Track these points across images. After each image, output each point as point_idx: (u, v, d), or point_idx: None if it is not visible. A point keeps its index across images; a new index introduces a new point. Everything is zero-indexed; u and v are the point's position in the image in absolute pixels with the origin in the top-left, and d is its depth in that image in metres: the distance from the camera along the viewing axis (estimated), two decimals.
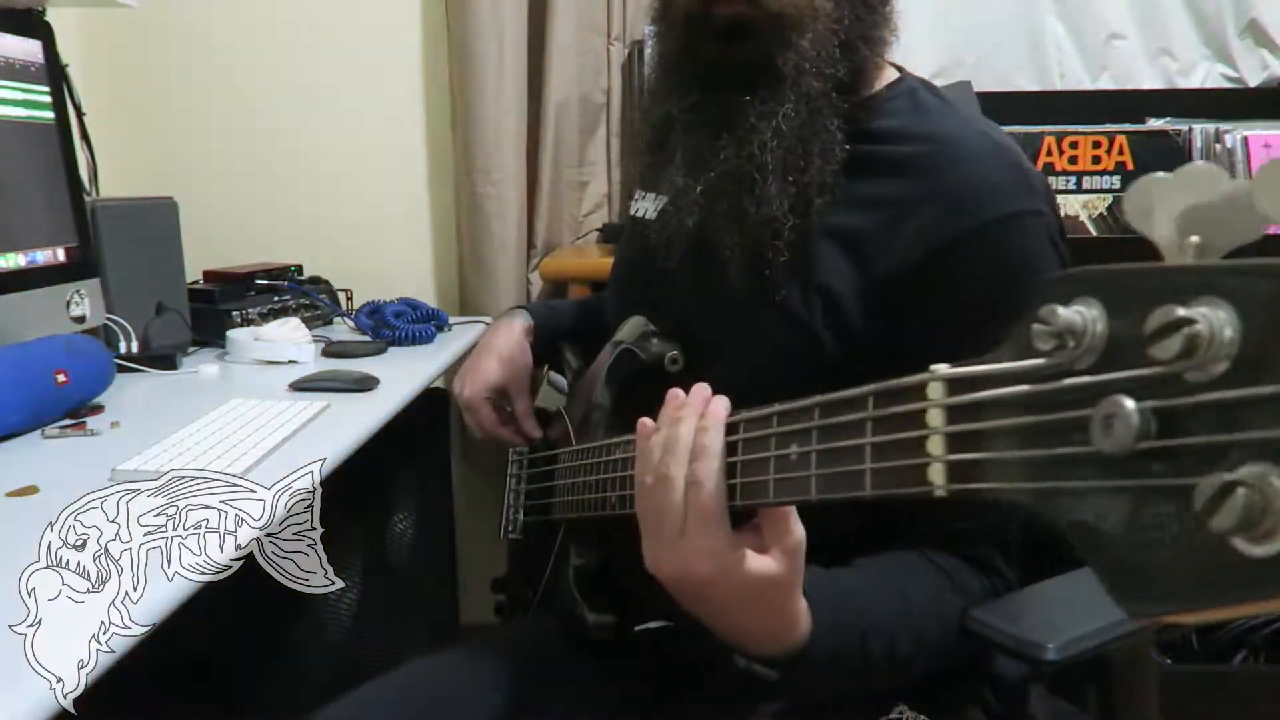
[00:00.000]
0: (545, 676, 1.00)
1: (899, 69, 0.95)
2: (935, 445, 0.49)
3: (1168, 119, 2.00)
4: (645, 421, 0.72)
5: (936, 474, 0.49)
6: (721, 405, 0.69)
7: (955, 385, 0.49)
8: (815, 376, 0.68)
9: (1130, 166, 1.91)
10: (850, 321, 0.85)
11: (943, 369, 0.50)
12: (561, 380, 1.23)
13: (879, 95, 0.91)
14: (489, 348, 1.21)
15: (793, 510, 0.68)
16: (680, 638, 0.96)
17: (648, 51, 1.74)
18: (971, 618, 0.81)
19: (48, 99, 1.50)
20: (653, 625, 0.98)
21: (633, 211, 1.09)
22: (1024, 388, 0.44)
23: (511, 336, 1.21)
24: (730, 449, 0.67)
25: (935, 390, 0.50)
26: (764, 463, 0.64)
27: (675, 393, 0.71)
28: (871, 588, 0.80)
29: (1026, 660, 0.78)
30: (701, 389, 0.70)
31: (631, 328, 0.97)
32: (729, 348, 0.91)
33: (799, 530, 0.68)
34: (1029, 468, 0.43)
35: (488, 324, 1.54)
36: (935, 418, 0.49)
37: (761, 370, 0.86)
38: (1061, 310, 0.41)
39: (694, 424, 0.68)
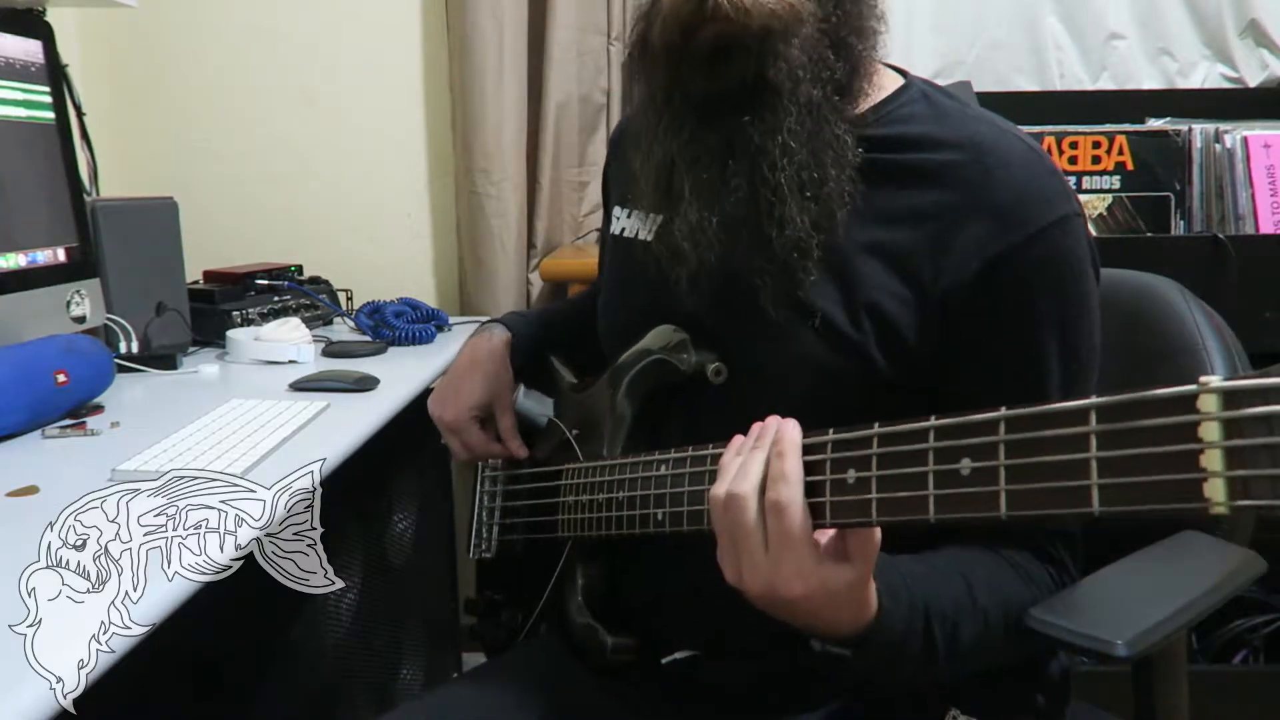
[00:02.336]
0: (570, 706, 0.98)
1: (902, 72, 0.92)
2: (1212, 460, 0.48)
3: (1168, 119, 1.99)
4: (737, 438, 0.73)
5: (1216, 490, 0.48)
6: (794, 429, 0.70)
7: (1233, 397, 0.48)
8: (864, 395, 0.68)
9: (1130, 166, 1.90)
10: (904, 339, 0.83)
11: (1214, 380, 0.49)
12: (528, 405, 1.17)
13: (890, 101, 0.89)
14: (472, 364, 1.15)
15: None
16: (709, 666, 0.95)
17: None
18: (1033, 616, 0.80)
19: (48, 99, 1.50)
20: (680, 655, 0.94)
21: (614, 230, 1.04)
22: None
23: (493, 351, 1.15)
24: (822, 468, 0.68)
25: (1209, 403, 0.48)
26: (913, 478, 0.63)
27: (757, 425, 0.73)
28: (933, 573, 0.79)
29: (1097, 657, 0.77)
30: (774, 418, 0.72)
31: (659, 336, 0.92)
32: (769, 370, 0.87)
33: (878, 535, 0.69)
34: None
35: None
36: (1211, 431, 0.48)
37: (807, 390, 0.84)
38: None
39: (767, 450, 0.70)
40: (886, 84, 0.90)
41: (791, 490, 0.67)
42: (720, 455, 0.77)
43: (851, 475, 0.66)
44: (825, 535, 0.70)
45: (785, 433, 0.70)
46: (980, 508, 0.59)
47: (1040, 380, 0.82)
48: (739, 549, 0.70)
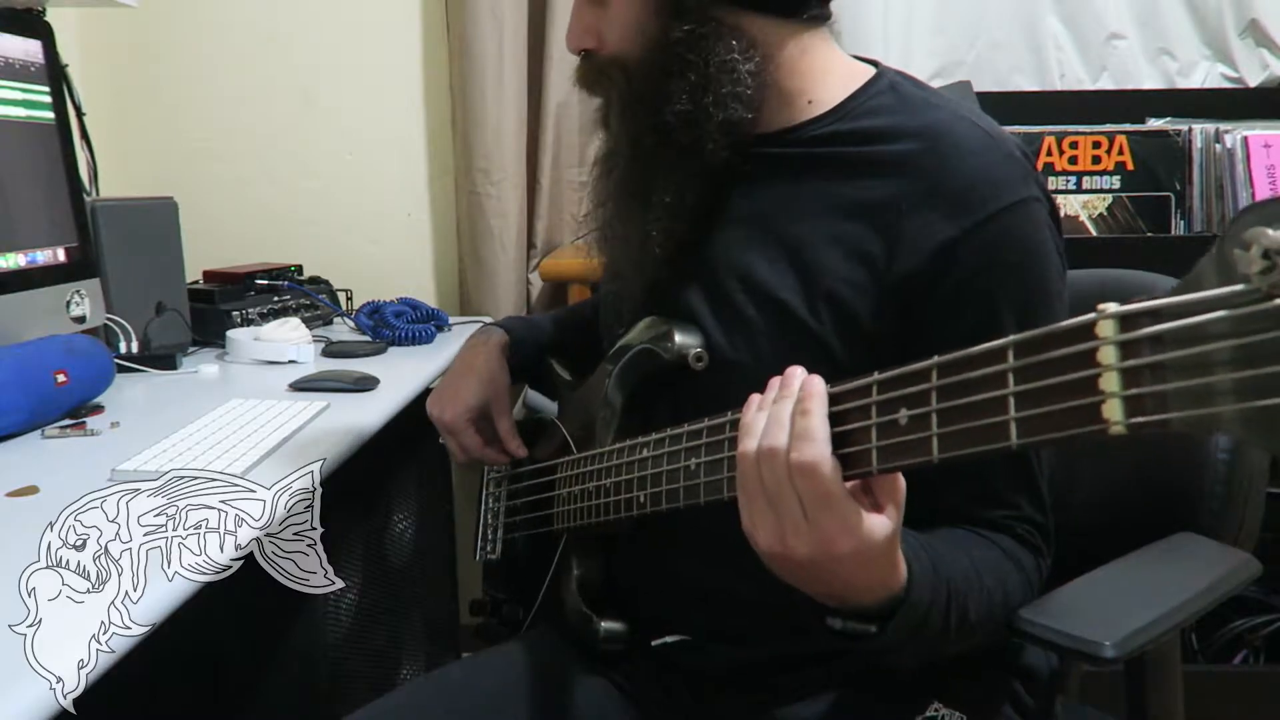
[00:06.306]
0: (563, 690, 0.99)
1: (874, 63, 0.94)
2: (1109, 382, 0.49)
3: (1168, 119, 1.99)
4: (754, 397, 0.70)
5: (1113, 411, 0.49)
6: (818, 382, 0.67)
7: (1129, 321, 0.49)
8: (827, 377, 0.68)
9: (1130, 166, 1.91)
10: (860, 325, 0.85)
11: (1111, 306, 0.50)
12: (539, 398, 1.19)
13: (859, 94, 0.90)
14: (468, 367, 1.16)
15: None
16: (698, 651, 0.95)
17: None
18: (1023, 618, 0.80)
19: (48, 99, 1.50)
20: (670, 639, 0.96)
21: None
22: (1221, 313, 0.45)
23: (490, 354, 1.16)
24: (840, 418, 0.65)
25: (1106, 328, 0.50)
26: (868, 430, 0.63)
27: (773, 380, 0.70)
28: (945, 548, 0.78)
29: (1084, 659, 0.77)
30: (797, 370, 0.69)
31: (644, 328, 0.94)
32: (736, 360, 0.90)
33: (903, 479, 0.68)
34: (1240, 391, 0.44)
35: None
36: (1108, 355, 0.49)
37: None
38: (1272, 232, 0.42)
39: (791, 405, 0.66)
40: (857, 77, 0.91)
41: (818, 447, 0.64)
42: (692, 431, 0.79)
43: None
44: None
45: (811, 386, 0.67)
46: (914, 455, 0.60)
47: None
48: (779, 509, 0.66)
